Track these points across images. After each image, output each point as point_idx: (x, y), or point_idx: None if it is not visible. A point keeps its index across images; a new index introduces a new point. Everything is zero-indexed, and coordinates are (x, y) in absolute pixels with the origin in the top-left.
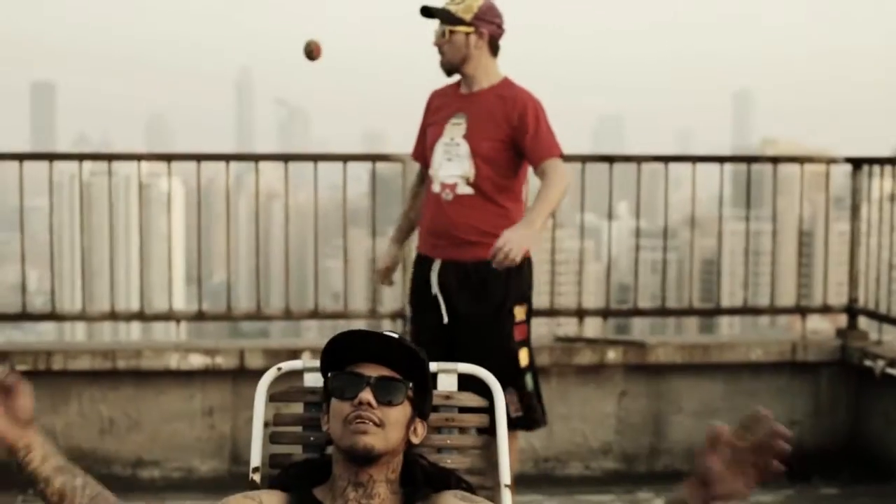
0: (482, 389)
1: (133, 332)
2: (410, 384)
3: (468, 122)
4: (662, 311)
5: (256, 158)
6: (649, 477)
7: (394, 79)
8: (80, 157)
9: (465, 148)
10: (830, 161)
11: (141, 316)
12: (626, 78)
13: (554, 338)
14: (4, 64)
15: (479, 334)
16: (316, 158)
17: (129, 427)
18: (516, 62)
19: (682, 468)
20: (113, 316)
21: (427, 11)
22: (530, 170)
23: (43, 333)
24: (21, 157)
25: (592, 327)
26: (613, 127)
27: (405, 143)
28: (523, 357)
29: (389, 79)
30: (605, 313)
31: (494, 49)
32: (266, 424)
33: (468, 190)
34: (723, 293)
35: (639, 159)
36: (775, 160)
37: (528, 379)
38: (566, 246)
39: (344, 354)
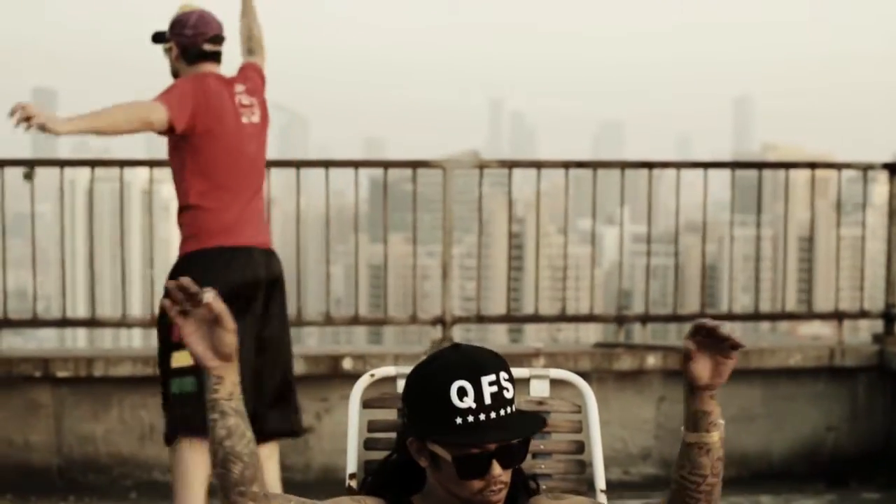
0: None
1: (135, 338)
2: (530, 440)
3: None
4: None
5: (298, 165)
6: None
7: (394, 84)
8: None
9: None
10: (867, 168)
11: None
12: (627, 83)
13: (593, 343)
14: (5, 70)
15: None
16: (357, 164)
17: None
18: (516, 67)
19: None
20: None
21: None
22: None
23: (45, 340)
24: (64, 164)
25: (595, 334)
26: (613, 133)
27: (406, 148)
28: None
29: (389, 84)
30: (643, 319)
31: (189, 57)
32: (308, 430)
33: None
34: (724, 298)
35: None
36: (813, 165)
37: None
38: (569, 252)
39: (457, 435)
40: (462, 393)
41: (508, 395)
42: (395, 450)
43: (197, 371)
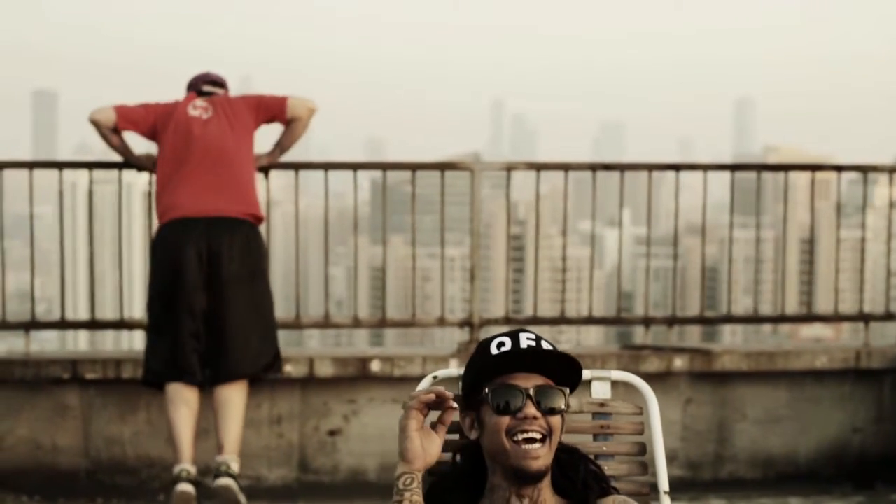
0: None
1: (136, 340)
2: (567, 390)
3: None
4: (726, 319)
5: (326, 167)
6: (714, 484)
7: (394, 85)
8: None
9: None
10: (893, 170)
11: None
12: (628, 85)
13: (621, 345)
14: (6, 72)
15: None
16: (385, 167)
17: (196, 435)
18: (517, 69)
19: (746, 475)
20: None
21: None
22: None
23: (45, 341)
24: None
25: (596, 337)
26: (614, 135)
27: (407, 149)
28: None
29: (390, 85)
30: (670, 321)
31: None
32: (333, 433)
33: None
34: (725, 301)
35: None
36: (839, 168)
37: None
38: (568, 253)
39: (495, 365)
40: (500, 345)
41: (546, 344)
42: (459, 450)
43: (146, 329)
